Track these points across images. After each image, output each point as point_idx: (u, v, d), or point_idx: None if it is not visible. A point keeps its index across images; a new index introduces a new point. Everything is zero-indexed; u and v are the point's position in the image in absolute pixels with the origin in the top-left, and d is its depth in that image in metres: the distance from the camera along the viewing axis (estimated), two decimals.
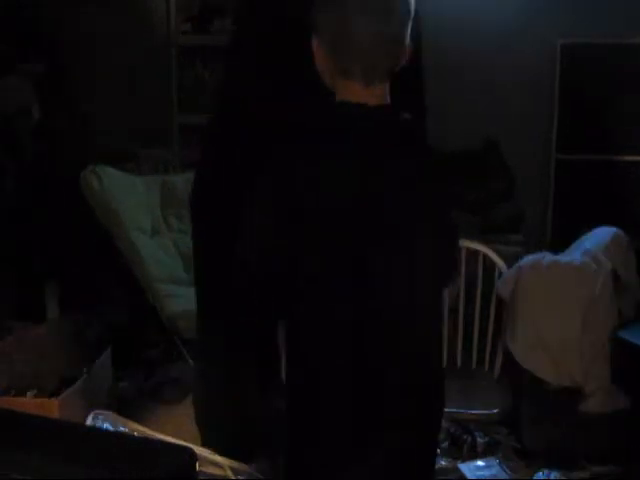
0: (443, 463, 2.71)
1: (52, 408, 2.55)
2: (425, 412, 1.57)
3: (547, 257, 2.77)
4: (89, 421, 2.27)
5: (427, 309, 1.54)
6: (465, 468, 2.68)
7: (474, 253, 2.82)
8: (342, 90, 1.47)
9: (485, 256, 2.81)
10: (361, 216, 1.43)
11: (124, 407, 2.85)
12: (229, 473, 2.25)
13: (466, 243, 2.80)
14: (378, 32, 1.41)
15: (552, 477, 2.56)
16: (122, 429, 2.23)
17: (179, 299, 3.01)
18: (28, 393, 2.70)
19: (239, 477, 2.24)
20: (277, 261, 1.45)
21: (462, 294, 2.88)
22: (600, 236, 2.83)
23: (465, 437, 2.79)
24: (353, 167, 1.43)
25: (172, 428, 2.57)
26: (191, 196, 2.21)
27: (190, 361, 3.01)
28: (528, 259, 2.77)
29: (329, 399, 1.48)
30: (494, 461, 2.70)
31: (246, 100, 1.98)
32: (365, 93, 1.45)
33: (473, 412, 2.61)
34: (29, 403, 2.59)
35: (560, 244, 3.00)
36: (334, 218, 1.43)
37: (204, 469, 2.23)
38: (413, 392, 1.52)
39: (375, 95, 1.46)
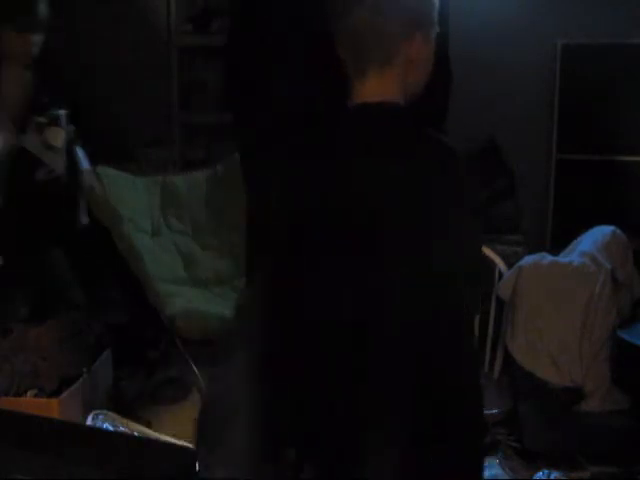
0: None
1: (52, 408, 2.54)
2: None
3: (547, 257, 2.77)
4: (89, 421, 2.27)
5: (431, 311, 1.43)
6: None
7: None
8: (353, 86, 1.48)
9: (485, 256, 2.81)
10: (357, 216, 1.41)
11: (124, 407, 2.84)
12: None
13: None
14: (367, 22, 1.41)
15: (552, 477, 2.56)
16: (122, 429, 2.23)
17: (179, 299, 3.01)
18: (28, 393, 2.69)
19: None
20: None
21: None
22: (598, 236, 2.83)
23: None
24: (348, 166, 1.42)
25: (172, 428, 2.57)
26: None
27: (190, 361, 3.01)
28: (528, 259, 2.77)
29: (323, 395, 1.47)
30: (494, 461, 2.70)
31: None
32: (365, 88, 1.45)
33: None
34: (29, 403, 2.58)
35: (560, 244, 3.00)
36: (330, 218, 1.42)
37: None
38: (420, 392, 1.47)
39: (375, 94, 1.45)
